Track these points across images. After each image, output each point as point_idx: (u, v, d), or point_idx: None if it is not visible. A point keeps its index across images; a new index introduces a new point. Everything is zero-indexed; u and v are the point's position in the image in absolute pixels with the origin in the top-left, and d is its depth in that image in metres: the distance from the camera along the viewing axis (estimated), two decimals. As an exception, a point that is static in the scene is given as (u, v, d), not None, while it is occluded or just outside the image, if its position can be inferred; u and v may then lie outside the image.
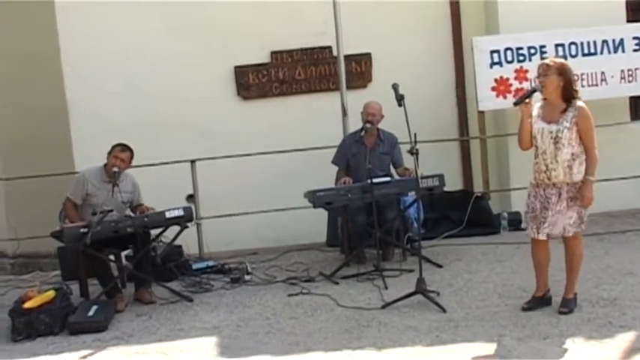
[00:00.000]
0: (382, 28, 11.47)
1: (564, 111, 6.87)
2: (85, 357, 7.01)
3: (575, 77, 10.41)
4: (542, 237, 7.01)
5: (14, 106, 12.61)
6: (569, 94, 6.87)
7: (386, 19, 11.48)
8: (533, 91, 6.98)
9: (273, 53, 11.52)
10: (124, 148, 8.79)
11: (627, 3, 11.62)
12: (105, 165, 8.81)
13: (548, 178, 6.92)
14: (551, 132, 6.85)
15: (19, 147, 12.41)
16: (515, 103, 7.02)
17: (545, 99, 7.00)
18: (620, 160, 10.97)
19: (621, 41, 11.07)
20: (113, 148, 8.79)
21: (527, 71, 10.73)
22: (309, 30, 11.37)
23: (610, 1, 11.40)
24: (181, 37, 11.26)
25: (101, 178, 8.78)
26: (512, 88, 10.84)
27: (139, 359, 6.86)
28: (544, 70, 6.91)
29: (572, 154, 6.83)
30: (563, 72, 6.86)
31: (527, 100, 6.92)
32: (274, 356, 6.59)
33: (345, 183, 9.23)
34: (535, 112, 7.01)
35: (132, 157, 8.84)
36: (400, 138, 9.34)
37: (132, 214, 8.76)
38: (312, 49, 11.53)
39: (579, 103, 6.90)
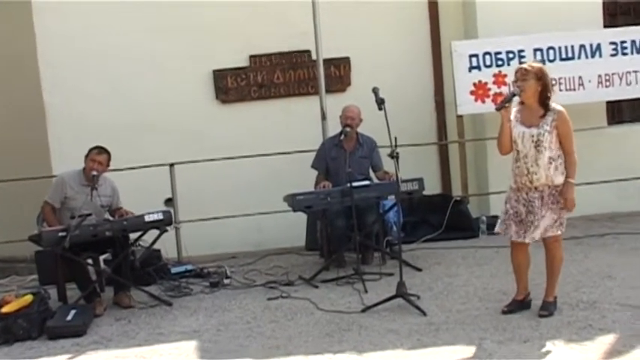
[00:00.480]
0: (361, 32, 11.48)
1: (543, 115, 6.88)
2: (64, 362, 6.93)
3: (553, 82, 10.75)
4: (528, 240, 7.01)
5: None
6: (546, 99, 6.89)
7: (365, 24, 11.50)
8: (513, 95, 6.98)
9: (251, 57, 11.51)
10: (101, 150, 8.72)
11: (604, 8, 11.66)
12: (83, 169, 8.75)
13: (530, 182, 6.92)
14: (532, 136, 6.86)
15: (-3, 150, 12.37)
16: (498, 109, 6.98)
17: (522, 103, 7.01)
18: (597, 165, 11.01)
19: (598, 46, 11.12)
20: (90, 151, 8.72)
21: (505, 75, 10.73)
22: (288, 34, 11.35)
23: (587, 7, 11.44)
24: (160, 39, 11.23)
25: (80, 182, 8.71)
26: (491, 93, 10.87)
27: (119, 364, 6.78)
28: (522, 75, 6.92)
29: (550, 158, 6.85)
30: (541, 76, 6.88)
31: (507, 105, 6.92)
32: (255, 360, 6.55)
33: (324, 187, 9.22)
34: (512, 116, 7.01)
35: (109, 159, 8.77)
36: (379, 142, 9.36)
37: (111, 218, 8.71)
38: (291, 52, 11.53)
39: (558, 107, 6.93)
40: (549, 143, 6.84)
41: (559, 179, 6.89)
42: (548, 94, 6.91)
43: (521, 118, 6.99)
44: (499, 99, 6.94)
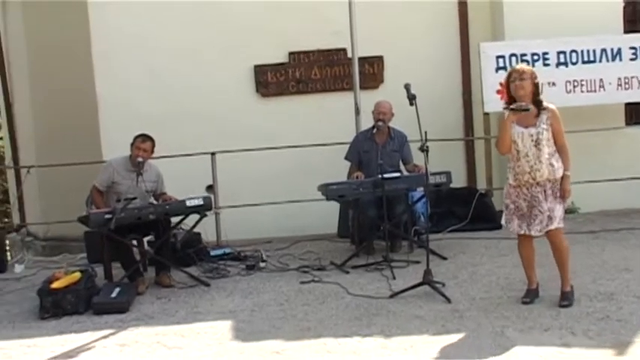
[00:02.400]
0: (394, 32, 11.43)
1: (538, 114, 6.81)
2: (107, 336, 6.88)
3: (575, 83, 10.60)
4: (534, 233, 6.89)
5: (47, 99, 12.72)
6: (539, 99, 6.84)
7: (398, 24, 11.41)
8: (527, 109, 6.81)
9: (291, 54, 11.48)
10: (145, 138, 8.63)
11: (624, 15, 11.51)
12: (130, 155, 8.67)
13: (534, 178, 6.82)
14: (532, 135, 6.79)
15: (51, 137, 12.60)
16: (513, 109, 6.80)
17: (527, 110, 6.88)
18: (615, 163, 11.00)
19: (619, 50, 10.96)
20: (135, 139, 8.64)
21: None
22: (326, 32, 11.29)
23: (609, 13, 11.32)
24: (205, 35, 11.27)
25: (126, 168, 8.63)
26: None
27: (159, 340, 6.70)
28: (520, 75, 6.83)
29: (549, 153, 6.79)
30: (535, 78, 6.84)
31: (519, 112, 6.81)
32: (287, 341, 6.44)
33: (357, 178, 9.10)
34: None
35: (153, 145, 8.67)
36: (409, 136, 9.26)
37: (155, 202, 8.64)
38: (328, 50, 11.48)
39: (550, 105, 6.89)
40: (547, 140, 6.78)
41: (559, 173, 6.81)
42: (540, 95, 6.86)
43: (517, 119, 6.87)
44: (516, 104, 6.82)
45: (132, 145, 8.63)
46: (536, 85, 6.81)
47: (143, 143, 8.56)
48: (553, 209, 6.79)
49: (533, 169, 6.79)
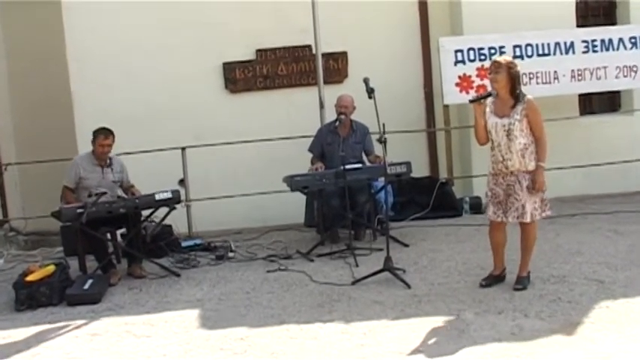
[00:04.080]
0: (357, 28, 11.36)
1: (514, 105, 6.76)
2: (79, 326, 6.86)
3: (531, 75, 10.59)
4: (511, 220, 6.85)
5: (26, 100, 12.68)
6: (516, 90, 6.77)
7: (360, 21, 11.36)
8: (489, 94, 6.88)
9: (258, 51, 11.39)
10: (106, 133, 8.56)
11: (577, 10, 11.55)
12: (92, 151, 8.63)
13: (506, 168, 6.79)
14: (504, 125, 6.75)
15: (30, 136, 12.51)
16: (471, 101, 6.93)
17: (497, 95, 6.86)
18: (569, 151, 10.98)
19: (572, 44, 10.97)
20: (96, 136, 8.58)
21: (487, 69, 10.54)
22: (291, 30, 11.21)
23: (562, 8, 11.35)
24: (175, 35, 11.12)
25: (92, 162, 8.60)
26: (474, 84, 10.74)
27: (129, 329, 6.66)
28: (495, 67, 6.82)
29: (524, 144, 6.74)
30: (512, 69, 6.76)
31: (481, 101, 6.85)
32: (251, 328, 6.42)
33: (317, 169, 9.11)
34: (488, 108, 6.90)
35: (114, 137, 8.61)
36: (371, 128, 9.16)
37: (125, 196, 8.60)
38: (294, 47, 11.40)
39: (528, 96, 6.84)
40: (520, 131, 6.72)
41: (532, 165, 6.75)
42: (518, 86, 6.79)
43: (494, 109, 6.87)
44: (473, 95, 6.83)
45: (93, 141, 8.58)
46: (513, 77, 6.73)
47: (106, 139, 8.52)
48: (526, 201, 6.76)
49: (505, 158, 6.78)
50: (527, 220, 6.77)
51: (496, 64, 6.82)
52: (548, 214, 6.93)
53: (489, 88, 7.00)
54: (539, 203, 6.81)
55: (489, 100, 6.89)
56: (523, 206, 6.74)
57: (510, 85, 6.74)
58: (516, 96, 6.76)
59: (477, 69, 10.75)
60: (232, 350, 5.95)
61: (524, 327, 5.97)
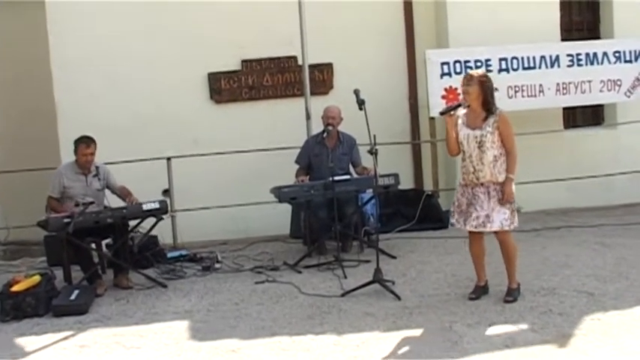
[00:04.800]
0: (343, 40, 11.33)
1: (486, 118, 6.82)
2: (67, 338, 6.79)
3: (516, 88, 10.64)
4: (469, 228, 6.90)
5: (8, 107, 12.57)
6: (488, 103, 6.82)
7: (346, 33, 11.32)
8: (458, 105, 6.95)
9: (243, 61, 11.35)
10: (88, 142, 8.49)
11: (561, 24, 11.60)
12: (75, 160, 8.57)
13: (477, 179, 6.85)
14: (476, 137, 6.81)
15: (12, 144, 12.38)
16: (441, 113, 7.03)
17: (468, 107, 6.92)
18: (553, 164, 11.09)
19: (557, 57, 11.03)
20: (77, 145, 8.52)
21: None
22: (277, 41, 11.19)
23: (547, 23, 11.41)
24: (161, 45, 11.08)
25: (74, 171, 8.54)
26: (461, 97, 10.58)
27: (118, 340, 6.60)
28: (467, 80, 6.90)
29: (495, 156, 6.80)
30: (484, 82, 6.83)
31: (452, 113, 6.92)
32: (242, 339, 6.38)
33: (302, 181, 9.08)
34: (460, 120, 6.95)
35: (96, 145, 8.54)
36: (358, 140, 9.24)
37: (110, 206, 8.55)
38: (279, 58, 11.37)
39: (500, 109, 6.91)
40: (491, 143, 6.79)
41: (502, 176, 6.82)
42: (490, 99, 6.84)
43: (466, 121, 6.93)
44: (443, 107, 6.92)
45: (75, 151, 8.52)
46: (485, 90, 6.78)
47: (87, 148, 8.45)
48: (493, 210, 6.78)
49: (476, 169, 6.82)
50: (495, 228, 6.79)
51: (468, 77, 6.91)
52: (514, 226, 6.90)
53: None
54: (509, 214, 6.82)
55: (462, 112, 6.94)
56: (487, 216, 6.78)
57: (482, 98, 6.80)
58: (488, 108, 6.81)
59: (463, 81, 10.76)
60: (224, 362, 5.92)
61: (516, 339, 5.97)
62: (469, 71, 7.22)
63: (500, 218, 6.77)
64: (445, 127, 7.00)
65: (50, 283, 7.88)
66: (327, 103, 9.77)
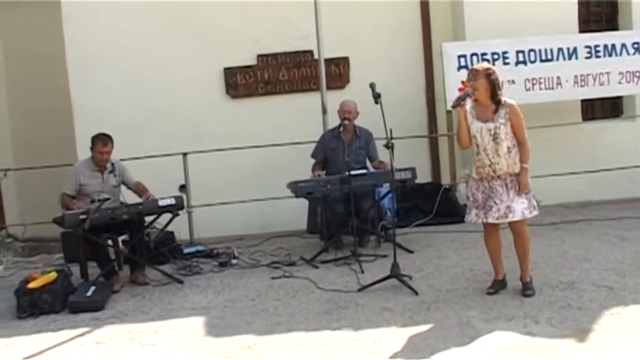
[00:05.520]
0: (359, 34, 11.31)
1: (496, 110, 6.79)
2: (83, 334, 6.77)
3: (533, 81, 10.56)
4: (491, 220, 6.84)
5: (25, 105, 12.67)
6: (496, 95, 6.79)
7: (363, 27, 11.31)
8: (467, 95, 6.87)
9: (259, 56, 11.34)
10: (105, 140, 8.48)
11: (579, 15, 11.50)
12: (92, 157, 8.57)
13: (494, 171, 6.81)
14: (490, 129, 6.77)
15: (29, 141, 12.47)
16: (453, 106, 6.93)
17: (475, 100, 6.87)
18: (572, 157, 11.02)
19: (575, 49, 10.92)
20: (94, 143, 8.51)
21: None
22: (293, 35, 11.19)
23: (565, 14, 11.30)
24: (177, 41, 11.11)
25: (91, 168, 8.54)
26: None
27: (134, 337, 6.58)
28: (473, 75, 6.88)
29: (509, 147, 6.77)
30: (490, 75, 6.79)
31: (462, 103, 6.84)
32: (259, 335, 6.34)
33: (318, 176, 9.05)
34: (469, 115, 6.91)
35: (113, 143, 8.54)
36: (374, 134, 9.19)
37: (126, 202, 8.54)
38: (295, 52, 11.36)
39: (510, 100, 6.88)
40: (505, 134, 6.76)
41: (518, 167, 6.80)
42: (498, 91, 6.80)
43: (476, 114, 6.88)
44: (453, 101, 6.87)
45: (92, 148, 8.52)
46: (492, 83, 6.75)
47: (104, 147, 8.45)
48: (513, 201, 6.75)
49: (493, 162, 6.77)
50: (517, 218, 6.75)
51: (474, 72, 6.90)
52: (535, 214, 6.88)
53: None
54: (527, 203, 6.79)
55: (469, 106, 6.89)
56: (508, 207, 6.75)
57: (490, 91, 6.77)
58: (497, 101, 6.79)
59: (480, 74, 10.70)
60: (240, 358, 5.88)
61: (535, 334, 5.91)
62: (473, 66, 7.16)
63: (520, 208, 6.75)
64: (458, 118, 6.94)
65: (67, 280, 7.86)
66: (343, 98, 9.72)
